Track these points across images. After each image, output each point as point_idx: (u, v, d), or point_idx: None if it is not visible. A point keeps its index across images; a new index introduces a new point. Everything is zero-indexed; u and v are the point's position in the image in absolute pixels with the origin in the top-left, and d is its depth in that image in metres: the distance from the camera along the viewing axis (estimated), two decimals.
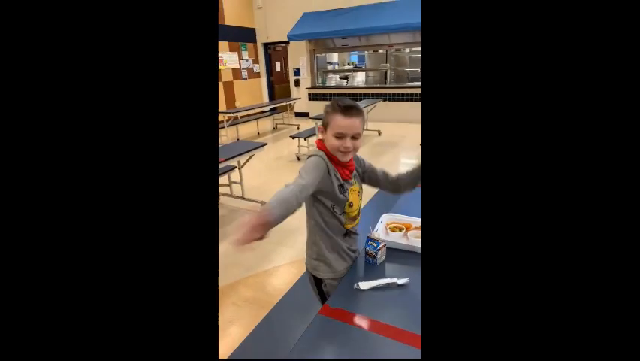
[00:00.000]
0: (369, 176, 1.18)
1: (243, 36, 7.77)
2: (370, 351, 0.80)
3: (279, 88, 8.75)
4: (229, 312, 1.88)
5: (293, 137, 4.53)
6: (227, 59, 7.39)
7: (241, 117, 6.38)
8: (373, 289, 1.00)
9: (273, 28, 7.85)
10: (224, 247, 2.55)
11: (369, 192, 1.65)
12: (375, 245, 1.10)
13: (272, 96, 8.70)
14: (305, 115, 7.78)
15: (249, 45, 7.99)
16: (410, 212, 1.39)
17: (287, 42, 7.64)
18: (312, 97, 7.90)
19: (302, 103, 7.96)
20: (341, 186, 1.05)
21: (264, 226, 0.74)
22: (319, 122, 1.13)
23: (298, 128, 6.38)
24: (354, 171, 1.11)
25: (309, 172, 0.96)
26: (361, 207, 1.19)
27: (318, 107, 7.38)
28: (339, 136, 0.99)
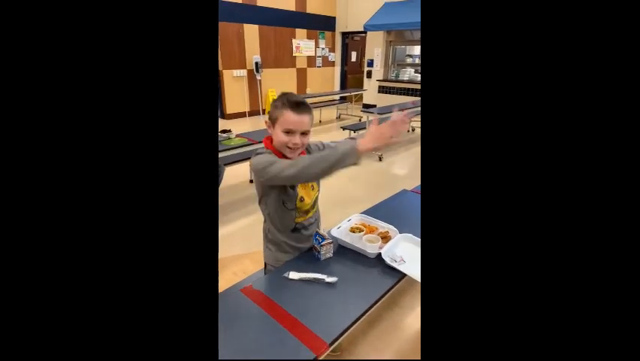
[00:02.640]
0: None
1: (323, 24, 7.90)
2: (264, 339, 0.85)
3: (351, 78, 8.73)
4: (224, 280, 2.06)
5: (344, 128, 4.55)
6: (304, 46, 7.62)
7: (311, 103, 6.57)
8: (301, 280, 1.03)
9: (353, 17, 7.81)
10: (247, 221, 2.76)
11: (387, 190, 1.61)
12: (320, 240, 1.12)
13: (343, 86, 8.73)
14: (372, 107, 7.67)
15: (327, 34, 8.10)
16: (395, 220, 1.36)
17: (365, 32, 7.55)
18: (382, 90, 7.71)
19: (371, 95, 7.84)
20: None
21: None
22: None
23: (360, 120, 6.34)
24: None
25: (274, 159, 0.99)
26: (318, 198, 1.21)
27: (387, 100, 7.19)
28: (289, 132, 1.00)
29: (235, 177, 3.58)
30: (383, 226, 1.29)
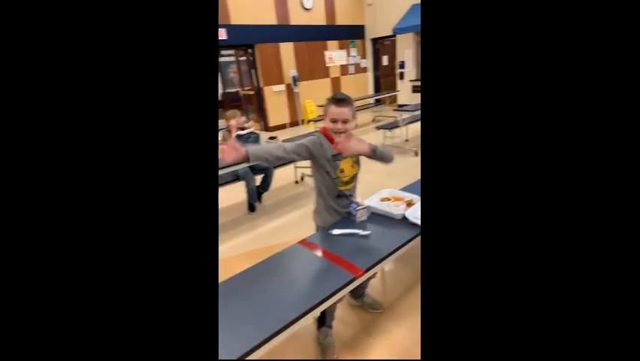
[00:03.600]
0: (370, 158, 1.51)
1: (353, 34, 8.27)
2: (316, 270, 1.18)
3: (384, 81, 8.96)
4: None
5: (379, 128, 4.82)
6: (336, 56, 8.03)
7: None
8: (342, 235, 1.36)
9: (381, 23, 8.09)
10: (295, 215, 3.13)
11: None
12: (356, 206, 1.43)
13: (377, 90, 8.98)
14: (407, 106, 7.81)
15: (358, 42, 8.45)
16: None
17: (394, 36, 7.78)
18: (416, 89, 7.85)
19: (405, 96, 8.01)
20: (335, 156, 1.42)
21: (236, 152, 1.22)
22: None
23: (395, 120, 6.54)
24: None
25: (299, 144, 1.39)
26: (357, 176, 1.54)
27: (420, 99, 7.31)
28: (333, 121, 1.36)
29: (283, 179, 4.00)
30: (408, 196, 1.58)
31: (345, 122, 1.37)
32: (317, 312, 1.02)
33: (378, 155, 1.39)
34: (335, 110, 1.35)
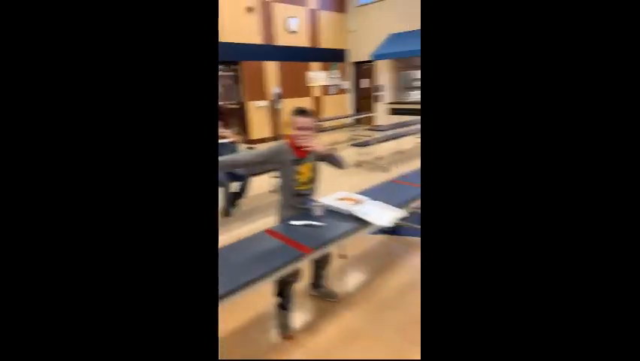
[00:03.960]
0: (325, 160, 1.82)
1: (335, 57, 8.80)
2: (275, 250, 1.44)
3: (363, 103, 9.48)
4: None
5: (353, 145, 5.17)
6: (318, 77, 8.48)
7: (325, 127, 7.31)
8: (300, 226, 1.62)
9: (363, 48, 8.66)
10: (268, 221, 3.36)
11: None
12: (312, 203, 1.71)
13: (358, 110, 9.48)
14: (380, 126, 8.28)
15: (340, 64, 8.97)
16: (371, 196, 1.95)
17: (374, 61, 8.34)
18: (391, 111, 8.36)
19: (381, 117, 8.50)
20: (295, 160, 1.71)
21: None
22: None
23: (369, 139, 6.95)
24: (311, 154, 1.77)
25: (258, 153, 1.74)
26: (316, 179, 1.83)
27: (396, 120, 7.79)
28: (299, 128, 1.69)
29: (259, 187, 4.24)
30: (359, 197, 1.87)
31: (307, 129, 1.70)
32: (272, 278, 1.28)
33: (332, 158, 1.77)
34: (299, 120, 1.69)
